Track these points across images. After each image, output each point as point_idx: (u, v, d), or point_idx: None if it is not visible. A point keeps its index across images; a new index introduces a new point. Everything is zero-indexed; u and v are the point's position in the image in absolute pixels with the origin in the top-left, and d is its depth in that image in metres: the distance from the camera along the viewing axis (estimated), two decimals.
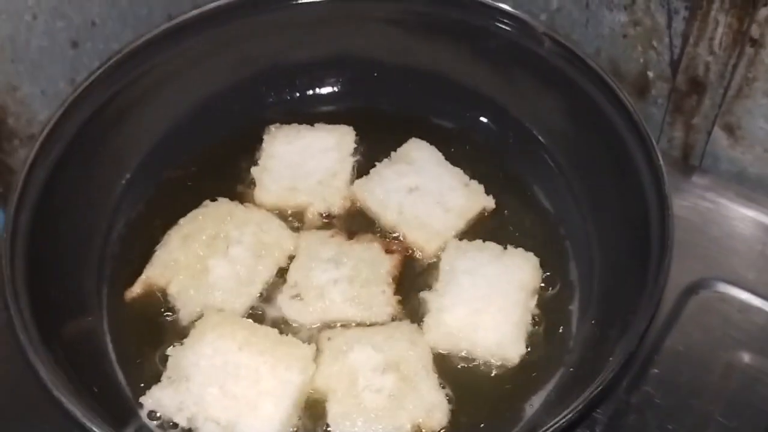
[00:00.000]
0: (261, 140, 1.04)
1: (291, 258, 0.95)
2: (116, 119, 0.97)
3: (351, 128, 1.05)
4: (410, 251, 0.96)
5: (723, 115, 1.08)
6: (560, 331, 0.90)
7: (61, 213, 0.88)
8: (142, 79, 0.98)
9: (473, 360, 0.88)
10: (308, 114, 1.08)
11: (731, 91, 1.05)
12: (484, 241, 0.95)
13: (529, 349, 0.88)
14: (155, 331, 0.90)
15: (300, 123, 1.06)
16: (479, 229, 0.97)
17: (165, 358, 0.86)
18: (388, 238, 0.97)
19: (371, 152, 1.04)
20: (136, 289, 0.92)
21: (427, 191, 0.99)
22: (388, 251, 0.95)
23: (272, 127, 1.05)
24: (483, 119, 1.06)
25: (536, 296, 0.91)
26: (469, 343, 0.87)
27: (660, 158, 0.85)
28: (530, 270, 0.92)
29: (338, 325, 0.90)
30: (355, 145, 1.04)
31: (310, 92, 1.10)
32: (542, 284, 0.93)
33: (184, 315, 0.90)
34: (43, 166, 0.87)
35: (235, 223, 0.96)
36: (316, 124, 1.05)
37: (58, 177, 0.88)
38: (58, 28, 1.03)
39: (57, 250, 0.88)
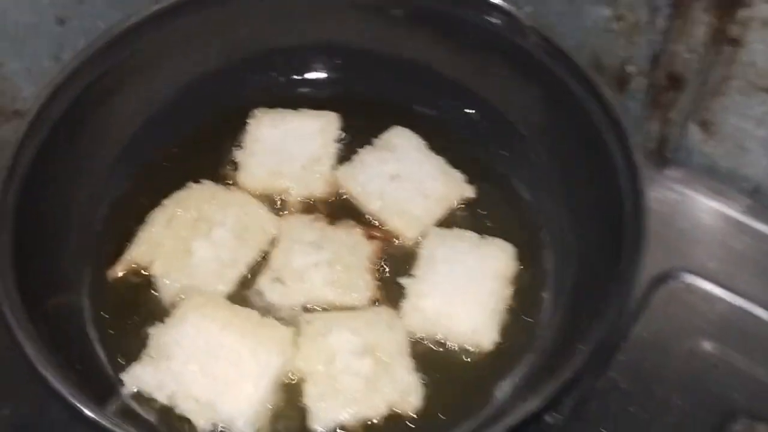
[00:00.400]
0: (246, 124, 1.05)
1: (274, 241, 0.96)
2: (103, 100, 0.97)
3: (336, 114, 1.06)
4: (391, 238, 0.97)
5: (699, 110, 1.10)
6: (532, 318, 0.92)
7: (47, 192, 0.89)
8: (128, 61, 0.99)
9: (448, 345, 0.90)
10: (292, 99, 1.08)
11: (708, 87, 1.07)
12: (463, 229, 0.97)
13: (501, 337, 0.90)
14: (137, 310, 0.91)
15: (285, 108, 1.07)
16: (458, 218, 0.99)
17: (147, 337, 0.87)
18: (369, 224, 0.98)
19: (354, 139, 1.05)
20: (119, 269, 0.93)
21: (408, 178, 1.01)
22: (370, 237, 0.97)
23: (257, 111, 1.06)
24: (466, 110, 1.07)
25: (511, 285, 0.93)
26: (444, 329, 0.90)
27: (637, 156, 0.87)
28: (507, 259, 0.94)
29: (318, 308, 0.92)
30: (339, 132, 1.05)
31: (296, 77, 1.11)
32: (517, 272, 0.95)
33: (166, 295, 0.91)
34: (31, 145, 0.87)
35: (219, 206, 0.97)
36: (300, 110, 1.06)
37: (44, 156, 0.88)
38: (44, 4, 1.03)
39: (42, 228, 0.88)
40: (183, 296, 0.91)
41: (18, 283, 0.79)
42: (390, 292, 0.93)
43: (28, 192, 0.86)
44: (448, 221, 0.99)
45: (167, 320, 0.88)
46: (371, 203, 0.99)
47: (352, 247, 0.95)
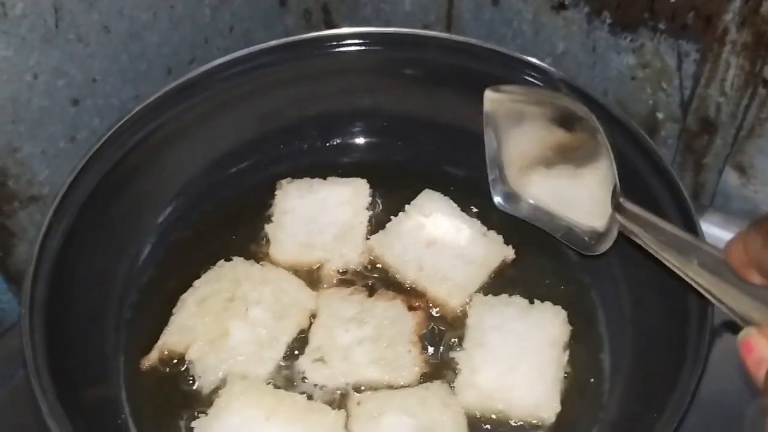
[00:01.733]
0: (273, 195, 1.02)
1: (312, 317, 0.92)
2: (125, 182, 0.94)
3: (365, 181, 1.03)
4: (434, 306, 0.93)
5: (734, 154, 1.08)
6: (592, 385, 0.88)
7: (74, 282, 0.85)
8: (149, 139, 0.96)
9: (507, 421, 0.85)
10: (320, 166, 1.06)
11: (743, 131, 1.05)
12: (509, 294, 0.93)
13: (564, 407, 0.85)
14: (176, 400, 0.86)
15: (311, 176, 1.04)
16: (501, 282, 0.96)
17: (190, 430, 0.82)
18: (410, 294, 0.94)
19: (386, 204, 1.02)
20: (153, 357, 0.89)
21: (446, 244, 0.98)
22: (411, 308, 0.93)
23: (284, 182, 1.03)
24: None
25: (568, 351, 0.89)
26: (504, 404, 0.85)
27: (690, 201, 0.85)
28: (559, 324, 0.90)
29: (364, 388, 0.87)
30: (370, 198, 1.02)
31: (320, 144, 1.09)
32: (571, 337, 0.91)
33: (205, 383, 0.87)
34: (55, 235, 0.84)
35: (253, 284, 0.93)
36: (328, 178, 1.03)
37: (70, 245, 0.85)
38: (59, 86, 1.01)
39: (73, 320, 0.84)
40: (222, 381, 0.86)
41: (53, 378, 0.75)
42: (439, 365, 0.89)
43: (57, 285, 0.82)
44: (491, 286, 0.95)
45: (209, 410, 0.83)
46: (410, 272, 0.95)
47: (395, 320, 0.91)
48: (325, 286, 0.96)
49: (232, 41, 1.20)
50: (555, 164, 0.91)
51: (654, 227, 0.73)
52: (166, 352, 0.89)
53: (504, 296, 0.93)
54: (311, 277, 0.97)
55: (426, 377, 0.88)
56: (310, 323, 0.92)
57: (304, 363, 0.88)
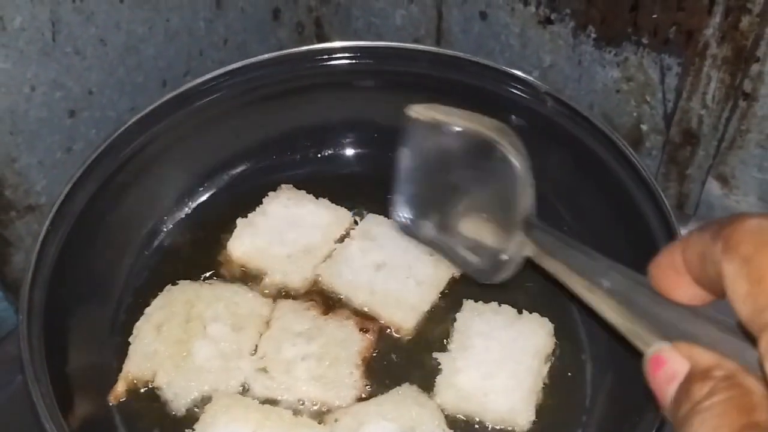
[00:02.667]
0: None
1: (268, 324, 0.93)
2: (121, 192, 0.96)
3: (350, 214, 1.03)
4: (385, 330, 0.94)
5: (717, 165, 1.11)
6: (572, 398, 0.90)
7: (71, 288, 0.87)
8: (144, 150, 0.98)
9: (481, 424, 0.87)
10: (311, 177, 1.08)
11: (725, 142, 1.08)
12: (500, 303, 0.94)
13: (536, 419, 0.87)
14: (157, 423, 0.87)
15: (302, 186, 1.05)
16: (493, 290, 0.97)
17: None
18: (365, 316, 0.94)
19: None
20: (120, 389, 0.88)
21: (395, 266, 0.98)
22: (363, 330, 0.93)
23: (283, 186, 1.05)
24: None
25: (549, 363, 0.91)
26: (479, 407, 0.87)
27: (671, 211, 0.87)
28: (545, 336, 0.92)
29: (308, 403, 0.87)
30: (344, 232, 1.02)
31: (312, 155, 1.11)
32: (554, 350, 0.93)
33: (178, 405, 0.87)
34: (53, 243, 0.85)
35: (206, 302, 0.93)
36: (321, 198, 1.04)
37: (66, 253, 0.86)
38: (56, 98, 1.02)
39: (70, 326, 0.86)
40: (197, 401, 0.87)
41: (50, 382, 0.76)
42: (379, 389, 0.89)
43: (54, 291, 0.83)
44: (483, 294, 0.96)
45: (196, 426, 0.84)
46: (361, 297, 0.95)
47: (343, 341, 0.91)
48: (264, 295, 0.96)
49: (226, 54, 1.22)
50: (462, 191, 0.82)
51: (563, 251, 0.64)
52: (134, 382, 0.89)
53: (494, 304, 0.94)
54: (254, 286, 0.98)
55: (362, 399, 0.88)
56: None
57: (246, 368, 0.89)
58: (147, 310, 0.93)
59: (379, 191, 1.05)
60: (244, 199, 1.05)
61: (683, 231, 1.09)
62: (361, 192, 1.06)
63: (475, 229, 0.78)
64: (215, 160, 1.06)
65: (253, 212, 1.02)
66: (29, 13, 0.94)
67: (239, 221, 1.01)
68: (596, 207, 0.98)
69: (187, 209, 1.04)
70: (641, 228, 0.89)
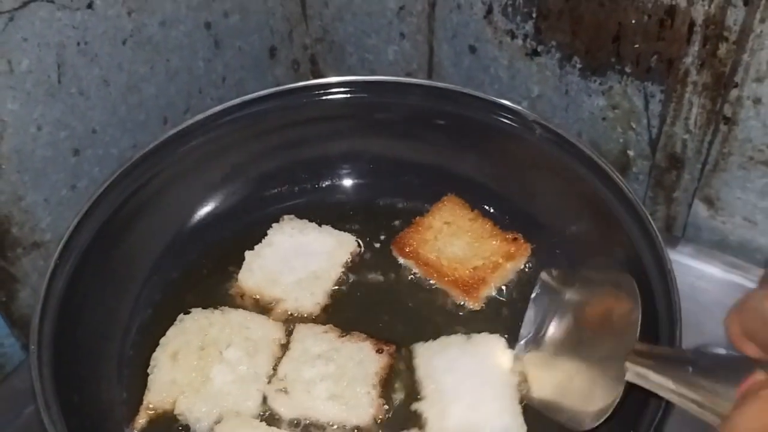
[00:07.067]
0: (266, 234, 1.07)
1: (284, 347, 0.96)
2: (125, 226, 0.99)
3: (354, 239, 1.07)
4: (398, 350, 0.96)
5: (702, 187, 1.14)
6: None
7: (79, 320, 0.89)
8: (147, 186, 1.01)
9: None
10: (309, 207, 1.11)
11: (708, 165, 1.11)
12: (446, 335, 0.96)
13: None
14: None
15: (302, 216, 1.09)
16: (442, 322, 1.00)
17: None
18: (379, 338, 0.97)
19: (370, 242, 1.07)
20: (141, 419, 0.91)
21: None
22: (379, 350, 0.96)
23: (285, 217, 1.08)
24: (485, 206, 1.10)
25: (517, 373, 0.93)
26: None
27: (658, 233, 0.90)
28: (501, 350, 0.95)
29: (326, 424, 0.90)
30: (350, 256, 1.06)
31: (310, 186, 1.14)
32: None
33: (201, 428, 0.90)
34: (60, 277, 0.88)
35: (219, 328, 0.96)
36: (324, 226, 1.08)
37: (74, 286, 0.89)
38: (61, 137, 1.06)
39: (78, 357, 0.88)
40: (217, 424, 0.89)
41: (61, 410, 0.78)
42: (398, 411, 0.92)
43: (63, 324, 0.86)
44: (429, 333, 0.98)
45: None
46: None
47: (360, 361, 0.94)
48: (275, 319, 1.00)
49: (224, 91, 1.26)
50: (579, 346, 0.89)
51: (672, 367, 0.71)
52: (155, 412, 0.91)
53: (442, 338, 0.97)
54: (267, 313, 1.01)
55: (382, 420, 0.91)
56: (284, 352, 0.96)
57: (268, 390, 0.92)
58: (162, 340, 0.96)
59: (376, 220, 1.10)
60: (246, 230, 1.08)
61: (674, 252, 1.14)
62: (359, 220, 1.10)
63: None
64: (215, 194, 1.09)
65: (260, 244, 1.05)
66: (36, 57, 0.97)
67: (247, 253, 1.04)
68: (586, 230, 1.01)
69: (191, 242, 1.07)
70: (630, 250, 0.92)
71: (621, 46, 1.06)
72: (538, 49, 1.13)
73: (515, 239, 1.04)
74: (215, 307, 0.99)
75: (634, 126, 1.14)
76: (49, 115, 1.02)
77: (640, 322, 0.77)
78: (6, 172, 1.00)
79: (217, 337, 0.95)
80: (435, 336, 0.97)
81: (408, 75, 1.29)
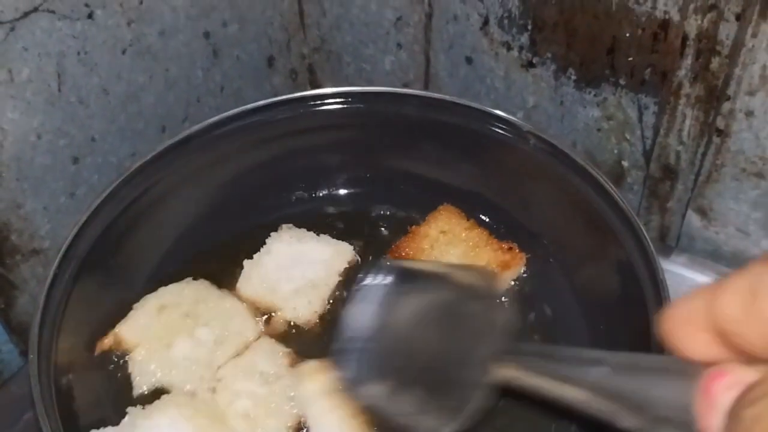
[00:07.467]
0: (263, 243, 1.07)
1: (245, 347, 0.97)
2: (123, 235, 1.00)
3: (351, 248, 1.08)
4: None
5: (695, 198, 1.15)
6: None
7: (77, 328, 0.90)
8: (146, 194, 1.01)
9: None
10: (306, 216, 1.12)
11: (702, 176, 1.12)
12: None
13: None
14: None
15: (299, 225, 1.09)
16: None
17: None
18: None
19: (365, 253, 1.08)
20: (107, 343, 0.95)
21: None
22: None
23: (284, 226, 1.09)
24: (481, 216, 1.11)
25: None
26: None
27: (651, 244, 0.91)
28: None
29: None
30: (347, 265, 1.06)
31: (306, 196, 1.15)
32: None
33: (140, 383, 0.93)
34: (60, 285, 0.89)
35: (208, 306, 0.99)
36: (322, 235, 1.08)
37: (73, 294, 0.90)
38: (60, 145, 1.07)
39: (75, 364, 0.89)
40: (155, 387, 0.92)
41: (60, 418, 0.79)
42: None
43: (60, 330, 0.87)
44: None
45: (147, 407, 0.89)
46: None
47: (291, 398, 0.91)
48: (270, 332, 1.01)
49: (223, 100, 1.27)
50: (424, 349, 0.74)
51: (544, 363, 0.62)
52: (118, 343, 0.95)
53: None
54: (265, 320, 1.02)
55: None
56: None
57: (204, 381, 0.93)
58: (161, 289, 0.99)
59: (372, 229, 1.11)
60: (245, 239, 1.08)
61: (667, 261, 1.15)
62: (356, 230, 1.11)
63: (434, 387, 0.71)
64: (213, 202, 1.09)
65: (258, 252, 1.06)
66: (36, 66, 0.98)
67: (246, 262, 1.05)
68: (580, 240, 1.02)
69: (189, 251, 1.07)
70: (623, 260, 0.93)
71: (615, 59, 1.07)
72: (534, 61, 1.15)
73: (510, 249, 1.05)
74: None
75: (628, 137, 1.15)
76: (49, 123, 1.03)
77: (504, 317, 0.70)
78: (5, 179, 1.01)
79: (202, 313, 0.98)
80: None
81: (405, 85, 1.30)
